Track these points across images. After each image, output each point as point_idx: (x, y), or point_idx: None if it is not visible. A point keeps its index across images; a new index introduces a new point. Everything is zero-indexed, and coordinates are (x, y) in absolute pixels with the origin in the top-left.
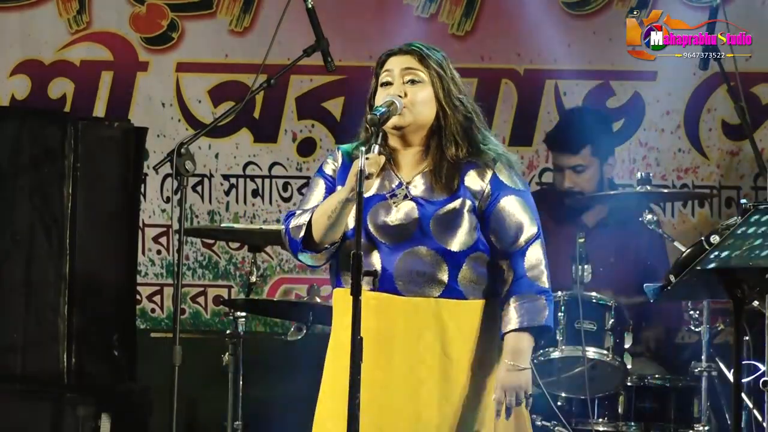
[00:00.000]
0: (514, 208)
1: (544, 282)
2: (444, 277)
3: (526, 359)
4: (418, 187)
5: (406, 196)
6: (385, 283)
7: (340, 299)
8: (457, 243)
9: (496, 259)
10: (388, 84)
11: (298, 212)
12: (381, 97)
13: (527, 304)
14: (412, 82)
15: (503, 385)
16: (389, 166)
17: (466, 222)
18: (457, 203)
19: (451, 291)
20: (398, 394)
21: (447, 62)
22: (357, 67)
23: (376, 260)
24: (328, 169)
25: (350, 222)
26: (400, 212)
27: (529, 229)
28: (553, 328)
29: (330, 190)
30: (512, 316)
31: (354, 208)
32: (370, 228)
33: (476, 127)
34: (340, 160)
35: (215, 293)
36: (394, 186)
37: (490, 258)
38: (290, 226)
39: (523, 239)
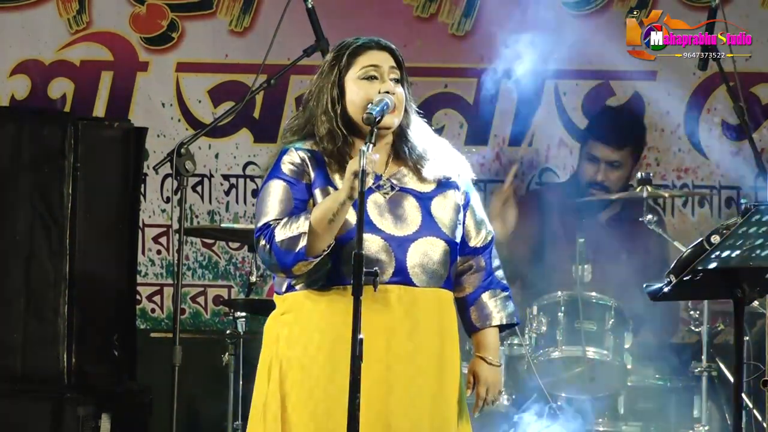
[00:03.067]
0: (479, 205)
1: (505, 280)
2: (445, 268)
3: (498, 355)
4: (400, 180)
5: (393, 188)
6: (399, 274)
7: (340, 299)
8: (454, 233)
9: (458, 255)
10: (373, 78)
11: (278, 223)
12: (369, 90)
13: (501, 301)
14: (396, 81)
15: (487, 381)
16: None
17: (459, 213)
18: (449, 194)
19: (448, 282)
20: (399, 387)
21: None
22: None
23: (387, 252)
24: (287, 169)
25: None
26: (398, 202)
27: (489, 228)
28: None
29: (299, 191)
30: (490, 313)
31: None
32: (373, 221)
33: (430, 130)
34: (302, 159)
35: (215, 293)
36: (373, 178)
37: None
38: (278, 240)
39: (489, 236)
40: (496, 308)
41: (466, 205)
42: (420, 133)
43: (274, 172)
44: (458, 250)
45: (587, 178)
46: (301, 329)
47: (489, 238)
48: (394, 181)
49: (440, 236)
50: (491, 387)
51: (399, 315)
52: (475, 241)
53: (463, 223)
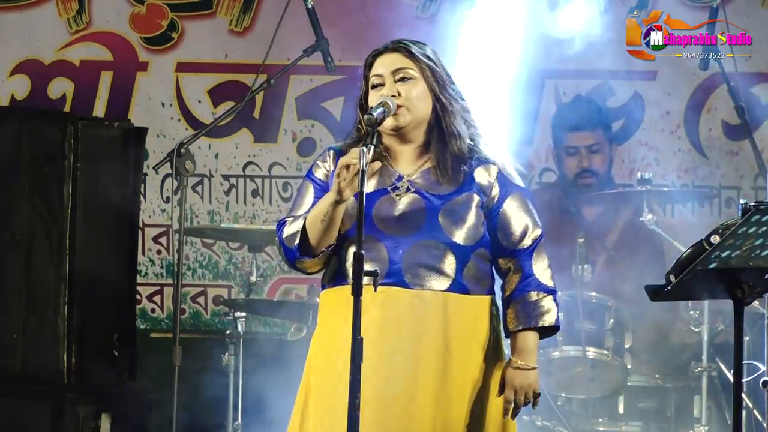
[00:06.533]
0: (521, 207)
1: (551, 282)
2: (451, 270)
3: (534, 358)
4: (420, 181)
5: (408, 189)
6: (392, 275)
7: (342, 298)
8: (465, 237)
9: (498, 256)
10: (379, 86)
11: (289, 220)
12: (374, 100)
13: (538, 303)
14: (404, 80)
15: (513, 384)
16: (386, 162)
17: (474, 216)
18: (465, 197)
19: (457, 285)
20: (398, 387)
21: (436, 54)
22: (357, 67)
23: (382, 253)
24: (319, 173)
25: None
26: (405, 204)
27: (535, 228)
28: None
29: (321, 191)
30: (523, 315)
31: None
32: (375, 222)
33: (472, 119)
34: (331, 162)
35: (215, 293)
36: (394, 180)
37: (492, 255)
38: (284, 236)
39: (529, 239)
40: (528, 311)
41: (498, 207)
42: (458, 126)
43: (309, 172)
44: (470, 253)
45: (572, 171)
46: (318, 328)
47: (530, 241)
48: (412, 182)
49: (440, 239)
50: (520, 390)
51: (387, 315)
52: (511, 243)
53: (495, 225)
